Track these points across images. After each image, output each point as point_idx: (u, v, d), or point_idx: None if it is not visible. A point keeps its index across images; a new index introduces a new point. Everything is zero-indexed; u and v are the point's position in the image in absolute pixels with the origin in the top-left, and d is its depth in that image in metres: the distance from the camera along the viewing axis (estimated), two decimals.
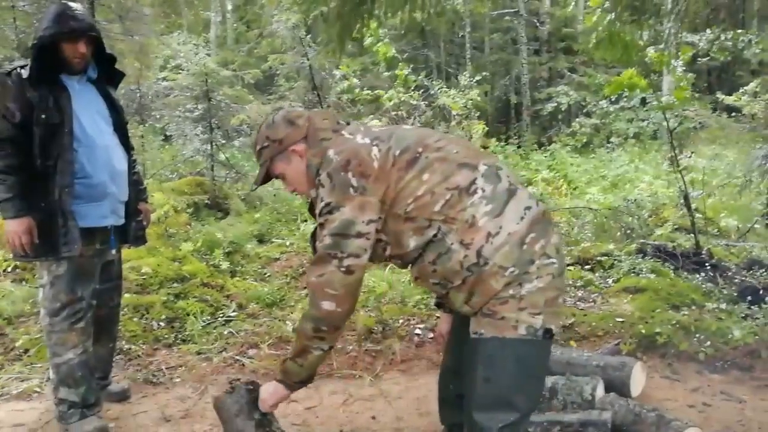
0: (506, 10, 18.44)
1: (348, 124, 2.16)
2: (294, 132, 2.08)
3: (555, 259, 1.92)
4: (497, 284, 1.86)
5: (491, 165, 1.99)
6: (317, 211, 1.98)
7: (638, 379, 3.33)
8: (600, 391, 3.11)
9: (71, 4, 3.07)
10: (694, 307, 4.51)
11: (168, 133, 10.59)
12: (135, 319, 4.34)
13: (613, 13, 5.58)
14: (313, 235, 2.03)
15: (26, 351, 3.90)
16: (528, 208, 1.93)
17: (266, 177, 2.20)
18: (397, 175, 1.93)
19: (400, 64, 9.73)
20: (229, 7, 22.53)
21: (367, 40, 8.96)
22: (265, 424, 2.24)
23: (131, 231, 3.27)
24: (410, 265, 2.03)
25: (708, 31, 11.27)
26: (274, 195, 8.54)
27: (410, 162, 1.94)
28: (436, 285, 1.98)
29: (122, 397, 3.41)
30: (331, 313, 1.95)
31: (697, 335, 4.00)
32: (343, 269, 1.92)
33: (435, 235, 1.90)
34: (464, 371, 2.03)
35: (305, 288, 5.20)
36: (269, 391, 2.21)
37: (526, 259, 1.87)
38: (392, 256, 2.02)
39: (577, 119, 16.71)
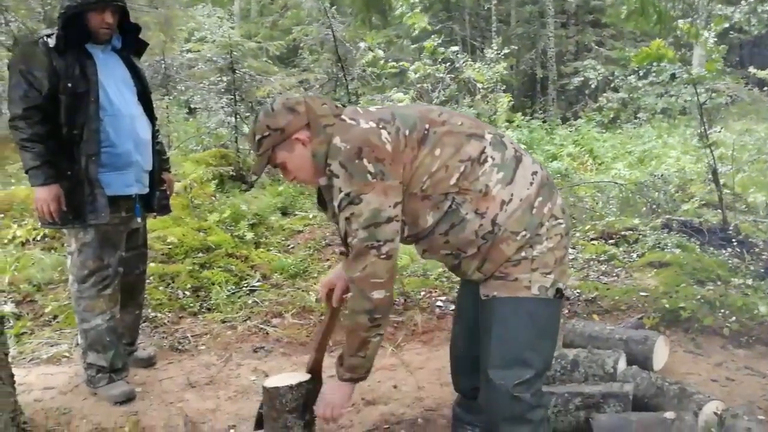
0: None
1: (344, 107, 2.14)
2: (296, 120, 2.01)
3: (562, 219, 1.99)
4: (509, 249, 1.91)
5: (495, 134, 2.02)
6: (336, 203, 1.93)
7: (661, 353, 3.31)
8: (622, 365, 3.11)
9: None
10: (719, 283, 4.47)
11: (192, 106, 10.65)
12: (161, 288, 4.40)
13: None
14: (345, 235, 1.96)
15: (55, 317, 3.98)
16: (535, 173, 1.99)
17: (264, 169, 2.15)
18: (411, 155, 1.93)
19: (432, 36, 9.66)
20: None
21: (398, 10, 8.87)
22: (311, 426, 2.24)
23: (156, 200, 3.32)
24: (419, 240, 2.04)
25: (743, 2, 11.01)
26: None
27: (421, 140, 1.94)
28: (448, 256, 2.01)
29: (148, 363, 3.47)
30: (382, 300, 1.94)
31: (722, 310, 3.96)
32: (383, 256, 1.91)
33: (449, 207, 1.92)
34: (479, 333, 2.06)
35: (328, 260, 5.24)
36: (339, 394, 2.16)
37: (536, 223, 1.93)
38: (409, 236, 2.03)
39: (605, 94, 16.47)
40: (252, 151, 8.31)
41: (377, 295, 1.93)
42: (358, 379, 2.12)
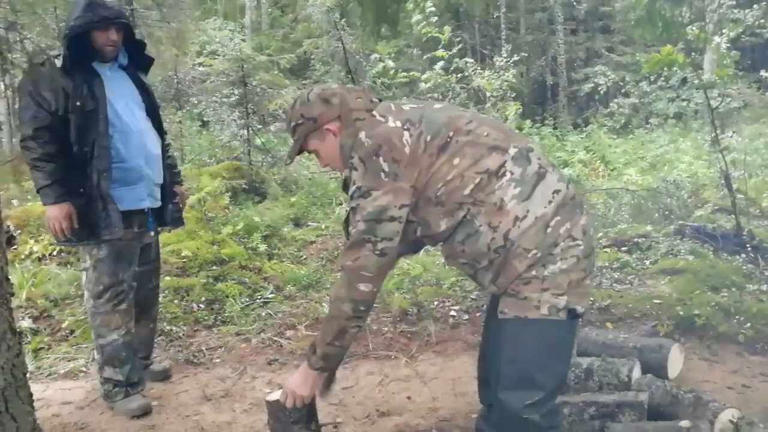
0: None
1: (380, 101, 2.17)
2: (328, 110, 2.07)
3: (581, 240, 1.93)
4: (520, 266, 1.89)
5: (522, 147, 1.98)
6: (349, 193, 2.00)
7: (676, 360, 3.30)
8: (636, 373, 3.10)
9: None
10: (734, 289, 4.43)
11: (205, 119, 10.73)
12: (176, 302, 4.44)
13: None
14: (347, 220, 2.04)
15: (72, 332, 4.02)
16: (557, 191, 1.93)
17: (297, 154, 2.22)
18: (429, 161, 1.94)
19: (452, 50, 9.65)
20: None
21: (413, 18, 8.90)
22: None
23: (168, 213, 3.34)
24: (438, 242, 2.06)
25: (755, 6, 10.97)
26: (310, 179, 8.61)
27: (441, 147, 1.95)
28: (464, 264, 2.01)
29: (164, 376, 3.50)
30: (367, 294, 1.97)
31: (737, 317, 3.94)
32: (377, 252, 1.94)
33: (464, 217, 1.92)
34: (491, 351, 2.07)
35: (340, 270, 5.25)
36: (308, 383, 2.15)
37: (549, 242, 1.88)
38: (423, 236, 2.05)
39: (615, 99, 16.45)
40: (264, 163, 8.36)
41: (363, 287, 1.96)
42: (329, 369, 2.17)
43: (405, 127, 1.97)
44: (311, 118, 2.09)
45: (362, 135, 1.98)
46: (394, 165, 1.92)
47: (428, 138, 1.95)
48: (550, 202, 1.91)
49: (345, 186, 2.19)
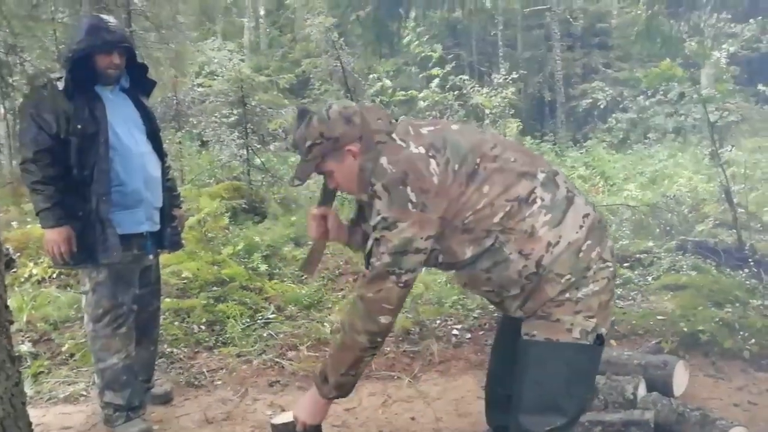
0: (539, 7, 18.27)
1: (396, 121, 2.11)
2: (351, 131, 1.97)
3: (610, 262, 1.93)
4: (552, 291, 1.86)
5: (549, 172, 1.96)
6: (373, 223, 1.91)
7: (681, 378, 3.28)
8: (642, 391, 3.07)
9: (104, 16, 3.16)
10: (737, 304, 4.41)
11: (204, 139, 10.75)
12: (176, 323, 4.41)
13: (652, 6, 5.53)
14: (369, 252, 1.94)
15: (72, 355, 3.99)
16: (586, 215, 1.93)
17: (310, 175, 2.08)
18: (458, 191, 1.88)
19: (445, 66, 9.71)
20: (262, 12, 22.73)
21: (407, 38, 8.98)
22: None
23: (167, 236, 3.33)
24: (457, 269, 2.01)
25: (751, 21, 11.05)
26: (310, 198, 8.59)
27: (470, 175, 1.89)
28: (489, 293, 1.97)
29: (165, 399, 3.47)
30: (387, 325, 1.94)
31: (742, 333, 3.92)
32: (401, 284, 1.90)
33: (492, 245, 1.88)
34: (513, 372, 2.00)
35: (342, 290, 5.23)
36: (318, 412, 2.11)
37: (582, 266, 1.87)
38: (444, 263, 2.00)
39: (614, 115, 16.50)
40: (263, 183, 8.35)
41: (383, 319, 1.92)
42: (342, 397, 2.11)
43: (430, 154, 1.89)
44: (332, 138, 1.97)
45: (384, 161, 1.90)
46: (423, 195, 1.85)
47: (456, 167, 1.89)
48: (581, 227, 1.89)
49: (360, 208, 2.16)
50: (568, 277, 1.85)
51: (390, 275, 1.89)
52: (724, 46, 8.09)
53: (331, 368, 2.02)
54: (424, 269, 2.25)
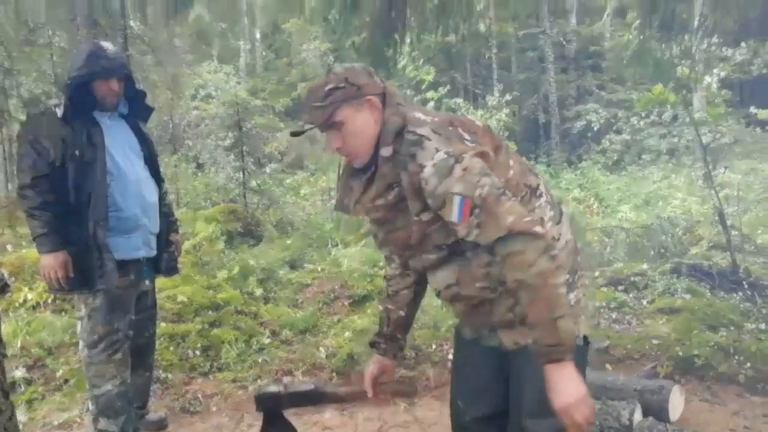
0: (532, 30, 18.44)
1: None
2: (373, 85, 1.87)
3: (585, 270, 1.98)
4: None
5: (541, 178, 2.02)
6: (433, 161, 1.72)
7: (677, 402, 3.28)
8: (638, 416, 3.08)
9: (103, 43, 3.19)
10: (732, 328, 4.43)
11: (200, 161, 10.78)
12: (171, 348, 4.39)
13: (644, 32, 5.60)
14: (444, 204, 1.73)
15: (66, 381, 3.97)
16: (570, 221, 1.99)
17: (322, 123, 1.87)
18: (492, 153, 1.83)
19: (439, 89, 9.73)
20: (258, 36, 22.87)
21: (401, 63, 9.04)
22: None
23: (164, 261, 3.34)
24: (435, 269, 1.91)
25: (743, 44, 11.18)
26: (305, 220, 8.61)
27: (496, 147, 1.86)
28: (483, 289, 1.85)
29: (160, 426, 3.45)
30: (544, 232, 1.72)
31: (737, 357, 3.93)
32: (513, 198, 1.74)
33: None
34: (497, 389, 2.00)
35: (337, 314, 5.23)
36: (574, 383, 1.69)
37: (575, 268, 1.91)
38: (441, 245, 1.86)
39: (608, 136, 16.59)
40: (259, 205, 8.35)
41: (538, 228, 1.70)
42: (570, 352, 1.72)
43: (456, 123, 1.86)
44: (355, 84, 1.84)
45: (416, 113, 1.84)
46: (473, 135, 1.81)
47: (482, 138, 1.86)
48: (569, 230, 1.94)
49: (369, 180, 1.88)
50: (567, 277, 1.83)
51: (501, 196, 1.70)
52: (715, 70, 8.17)
53: (545, 322, 1.68)
54: None
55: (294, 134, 1.99)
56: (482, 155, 1.76)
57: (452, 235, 1.80)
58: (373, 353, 2.21)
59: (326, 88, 1.84)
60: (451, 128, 1.80)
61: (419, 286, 2.18)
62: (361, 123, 1.84)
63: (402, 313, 2.17)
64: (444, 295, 1.95)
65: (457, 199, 1.70)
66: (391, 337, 2.19)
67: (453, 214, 1.71)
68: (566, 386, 1.68)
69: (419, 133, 1.77)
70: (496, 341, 1.96)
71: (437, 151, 1.73)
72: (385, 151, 1.80)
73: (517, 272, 1.69)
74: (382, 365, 2.18)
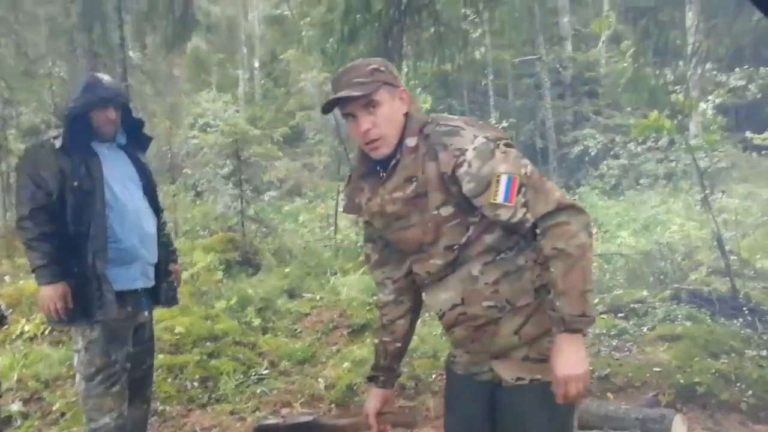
0: (528, 57, 18.61)
1: None
2: (398, 83, 1.91)
3: None
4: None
5: None
6: (474, 144, 1.76)
7: (679, 431, 3.25)
8: None
9: (99, 74, 3.22)
10: (733, 355, 4.41)
11: (199, 189, 10.81)
12: (169, 380, 4.36)
13: (638, 60, 5.66)
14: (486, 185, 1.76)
15: (63, 415, 3.93)
16: None
17: (364, 95, 1.83)
18: None
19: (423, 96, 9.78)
20: (257, 65, 23.07)
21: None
22: None
23: (162, 292, 3.31)
24: (439, 288, 1.90)
25: (737, 69, 11.29)
26: (304, 248, 8.60)
27: None
28: (490, 308, 1.84)
29: None
30: (585, 209, 1.79)
31: (738, 384, 3.91)
32: (547, 178, 1.83)
33: (510, 248, 1.83)
34: (517, 419, 1.94)
35: (336, 344, 5.20)
36: (580, 354, 1.74)
37: None
38: (451, 246, 1.85)
39: (605, 161, 16.66)
40: (258, 234, 8.34)
41: (581, 204, 1.81)
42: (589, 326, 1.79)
43: None
44: (393, 74, 1.89)
45: (439, 117, 1.87)
46: (498, 131, 1.89)
47: None
48: None
49: (389, 172, 1.87)
50: None
51: (542, 176, 1.81)
52: (710, 97, 8.24)
53: (575, 292, 1.72)
54: (419, 323, 2.21)
55: (325, 110, 1.93)
56: (512, 146, 1.82)
57: (465, 235, 1.81)
58: (372, 387, 2.19)
59: (369, 68, 1.85)
60: (481, 122, 1.87)
61: (414, 314, 2.15)
62: (394, 110, 1.85)
63: (399, 344, 2.15)
64: (448, 317, 1.91)
65: (504, 178, 1.74)
66: (389, 368, 2.17)
67: (499, 194, 1.74)
68: (574, 358, 1.72)
69: (452, 124, 1.81)
70: (489, 376, 1.95)
71: (476, 137, 1.77)
72: (410, 141, 1.83)
73: (559, 241, 1.72)
74: (384, 397, 2.17)
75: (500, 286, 1.82)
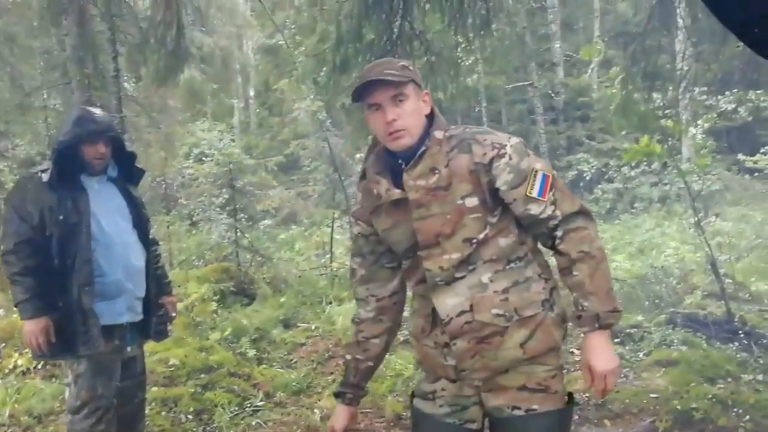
0: (521, 83, 18.75)
1: None
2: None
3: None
4: (557, 335, 1.89)
5: None
6: (502, 140, 1.89)
7: None
8: None
9: (91, 108, 3.23)
10: (729, 380, 4.40)
11: (194, 219, 10.80)
12: (163, 413, 4.32)
13: (628, 86, 5.72)
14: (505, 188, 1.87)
15: None
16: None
17: (390, 90, 1.87)
18: None
19: None
20: (252, 94, 23.23)
21: None
22: None
23: (152, 326, 3.28)
24: (447, 292, 1.88)
25: (728, 93, 11.39)
26: (299, 276, 8.58)
27: None
28: (498, 317, 1.84)
29: None
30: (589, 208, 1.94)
31: (735, 409, 3.89)
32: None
33: (519, 258, 1.88)
34: None
35: (332, 374, 5.17)
36: (610, 350, 1.86)
37: (567, 317, 1.94)
38: (468, 239, 1.86)
39: (599, 185, 16.73)
40: (253, 263, 8.31)
41: (585, 207, 1.91)
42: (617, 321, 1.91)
43: None
44: (418, 76, 2.02)
45: (457, 128, 1.98)
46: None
47: None
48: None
49: (416, 160, 1.90)
50: (567, 325, 1.93)
51: (565, 187, 1.92)
52: (699, 121, 8.31)
53: (600, 291, 1.83)
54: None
55: (355, 97, 1.94)
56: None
57: (483, 232, 1.85)
58: (339, 403, 2.22)
59: (400, 64, 1.93)
60: (499, 132, 1.97)
61: (390, 337, 2.17)
62: (419, 107, 1.92)
63: (370, 364, 2.18)
64: (454, 324, 1.87)
65: (540, 174, 1.85)
66: (357, 386, 2.20)
67: (535, 188, 1.84)
68: (609, 353, 1.84)
69: (481, 128, 1.95)
70: (473, 413, 1.96)
71: (510, 137, 1.90)
72: (438, 134, 1.92)
73: (583, 245, 1.84)
74: (350, 414, 2.20)
75: (509, 294, 1.84)
